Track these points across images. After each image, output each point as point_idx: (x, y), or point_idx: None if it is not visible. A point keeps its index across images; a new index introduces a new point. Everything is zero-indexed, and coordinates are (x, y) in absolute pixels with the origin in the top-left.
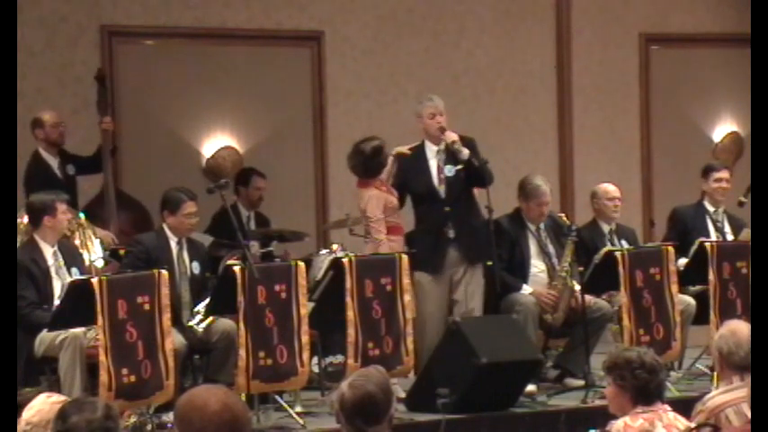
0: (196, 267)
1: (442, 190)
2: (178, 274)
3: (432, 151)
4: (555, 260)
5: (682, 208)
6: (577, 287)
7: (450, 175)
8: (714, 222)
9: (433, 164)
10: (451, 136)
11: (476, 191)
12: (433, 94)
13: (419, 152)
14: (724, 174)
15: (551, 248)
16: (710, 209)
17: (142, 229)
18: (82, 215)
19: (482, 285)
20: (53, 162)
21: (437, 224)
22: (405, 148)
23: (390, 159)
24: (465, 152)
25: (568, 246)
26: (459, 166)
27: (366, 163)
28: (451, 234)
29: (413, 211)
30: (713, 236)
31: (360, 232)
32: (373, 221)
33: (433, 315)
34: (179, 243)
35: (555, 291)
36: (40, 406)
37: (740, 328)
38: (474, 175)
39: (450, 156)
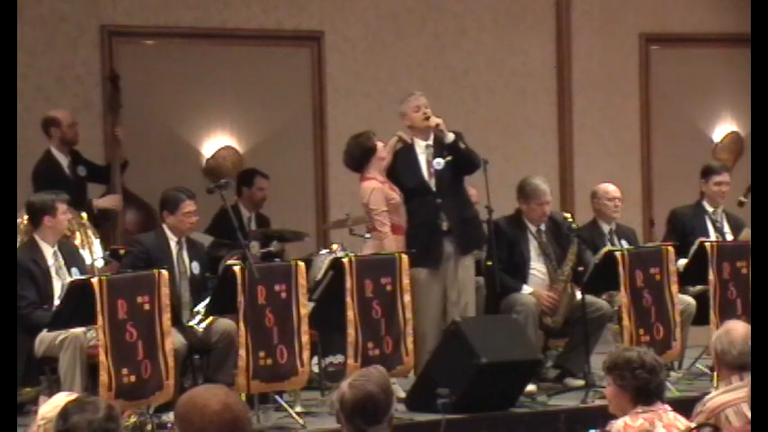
0: (196, 267)
1: (432, 183)
2: (178, 274)
3: (420, 147)
4: (555, 262)
5: (680, 209)
6: (578, 294)
7: (439, 167)
8: (713, 222)
9: (422, 158)
10: (436, 120)
11: (474, 192)
12: (432, 94)
13: (409, 149)
14: (725, 177)
15: (552, 250)
16: (709, 209)
17: (148, 229)
18: (84, 215)
19: (473, 277)
20: (64, 161)
21: (430, 217)
22: (406, 136)
23: (395, 138)
24: (450, 136)
25: (571, 250)
26: (449, 158)
27: (350, 152)
28: (445, 226)
29: (405, 207)
30: (712, 236)
31: (360, 232)
32: (377, 213)
33: (431, 311)
34: (179, 243)
35: (555, 293)
36: (58, 402)
37: (735, 328)
38: (462, 161)
39: (438, 148)
